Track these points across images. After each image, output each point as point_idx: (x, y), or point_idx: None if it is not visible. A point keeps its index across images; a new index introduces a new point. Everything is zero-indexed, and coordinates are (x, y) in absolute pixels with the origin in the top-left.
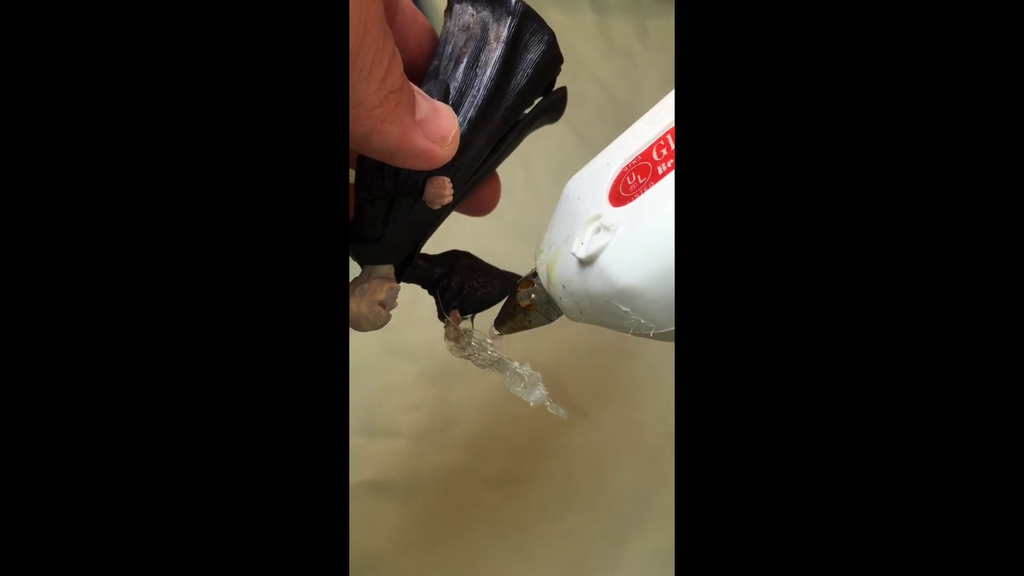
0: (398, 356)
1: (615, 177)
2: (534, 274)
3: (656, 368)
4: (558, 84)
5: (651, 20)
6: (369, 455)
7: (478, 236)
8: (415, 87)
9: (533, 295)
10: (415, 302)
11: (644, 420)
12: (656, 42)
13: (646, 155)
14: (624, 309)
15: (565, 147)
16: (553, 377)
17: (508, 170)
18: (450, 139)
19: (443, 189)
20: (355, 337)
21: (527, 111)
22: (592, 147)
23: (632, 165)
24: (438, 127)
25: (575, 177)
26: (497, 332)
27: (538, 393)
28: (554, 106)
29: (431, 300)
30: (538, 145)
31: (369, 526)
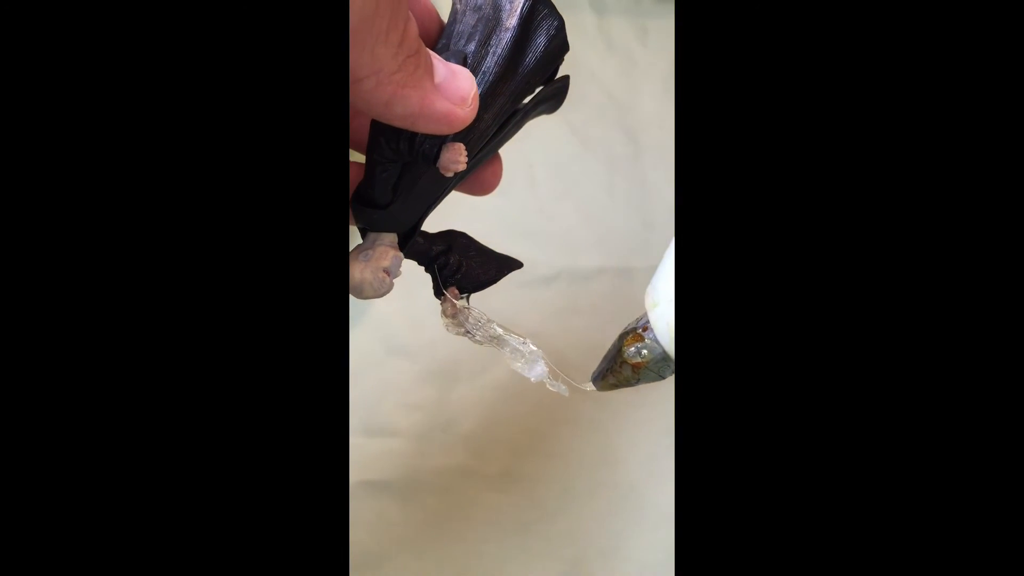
0: (398, 356)
1: None
2: (643, 327)
3: None
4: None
5: (651, 20)
6: (369, 455)
7: (478, 235)
8: (431, 51)
9: (645, 351)
10: (415, 301)
11: (644, 420)
12: (656, 42)
13: None
14: None
15: (564, 147)
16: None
17: (508, 171)
18: (470, 100)
19: (458, 155)
20: (355, 337)
21: (528, 99)
22: (592, 147)
23: None
24: (457, 89)
25: None
26: (594, 387)
27: (539, 370)
28: (557, 93)
29: (431, 299)
30: (538, 145)
31: (369, 526)
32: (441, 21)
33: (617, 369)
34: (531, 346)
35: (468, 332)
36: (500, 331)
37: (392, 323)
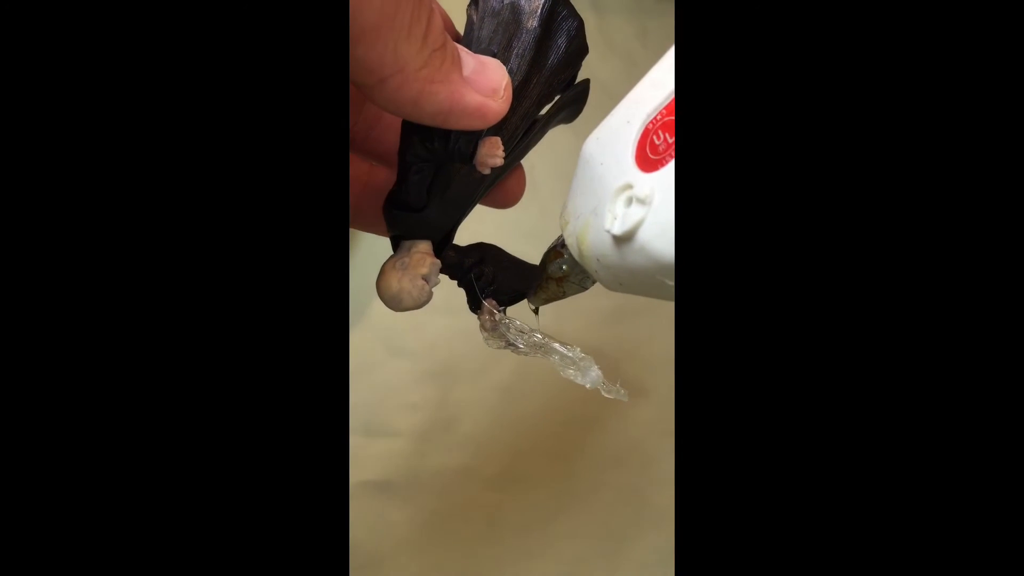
0: (398, 356)
1: (639, 136)
2: (562, 244)
3: (656, 368)
4: None
5: (651, 20)
6: (369, 455)
7: (478, 235)
8: (457, 44)
9: (565, 266)
10: None
11: (644, 420)
12: (656, 42)
13: (671, 108)
14: (670, 283)
15: (565, 148)
16: (553, 377)
17: None
18: (502, 91)
19: (495, 149)
20: (355, 337)
21: (548, 106)
22: None
23: (657, 121)
24: (488, 80)
25: (592, 138)
26: (531, 305)
27: (593, 375)
28: (577, 98)
29: (432, 299)
30: (538, 146)
31: (369, 526)
32: (456, 31)
33: (545, 285)
34: (579, 352)
35: (510, 344)
36: (544, 339)
37: (392, 323)
